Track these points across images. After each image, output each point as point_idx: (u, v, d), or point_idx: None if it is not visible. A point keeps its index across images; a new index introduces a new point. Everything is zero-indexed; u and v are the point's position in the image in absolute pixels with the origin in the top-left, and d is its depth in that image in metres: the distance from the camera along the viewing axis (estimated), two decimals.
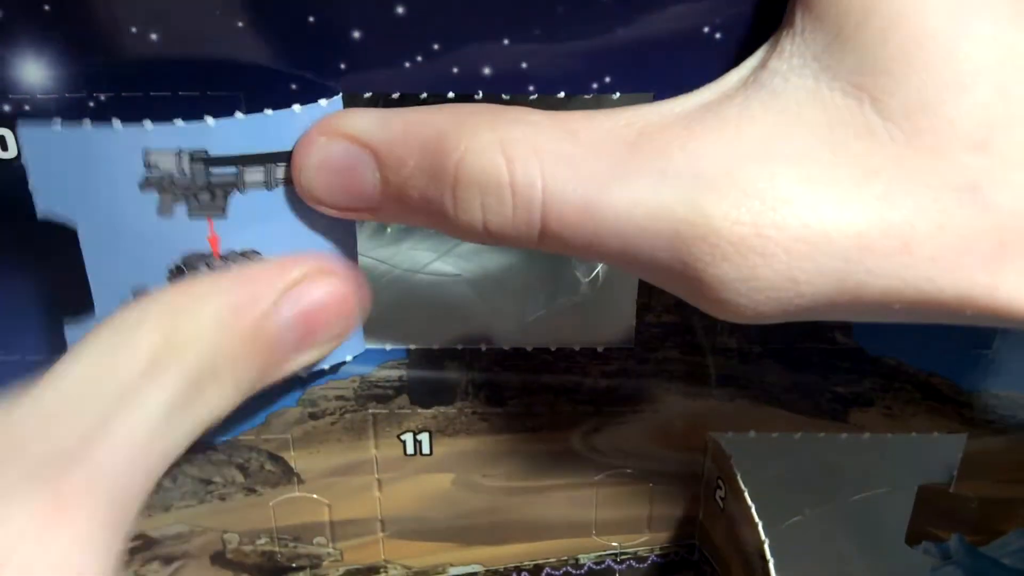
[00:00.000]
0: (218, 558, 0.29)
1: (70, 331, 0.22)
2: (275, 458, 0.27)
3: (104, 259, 0.21)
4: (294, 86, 0.20)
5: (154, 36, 0.19)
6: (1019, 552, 0.29)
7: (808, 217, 0.16)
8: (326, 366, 0.25)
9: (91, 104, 0.20)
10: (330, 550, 0.29)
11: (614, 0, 0.19)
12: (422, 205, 0.19)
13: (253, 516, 0.28)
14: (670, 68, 0.20)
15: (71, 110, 0.20)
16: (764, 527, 0.24)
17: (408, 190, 0.19)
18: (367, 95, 0.21)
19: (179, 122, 0.20)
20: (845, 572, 0.29)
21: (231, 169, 0.20)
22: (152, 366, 0.18)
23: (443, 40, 0.20)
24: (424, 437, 0.27)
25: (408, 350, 0.26)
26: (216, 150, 0.20)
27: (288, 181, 0.21)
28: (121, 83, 0.20)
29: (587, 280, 0.26)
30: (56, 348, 0.23)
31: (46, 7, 0.19)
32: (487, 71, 0.20)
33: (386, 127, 0.19)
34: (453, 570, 0.30)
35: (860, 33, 0.17)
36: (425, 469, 0.28)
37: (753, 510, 0.25)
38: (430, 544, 0.29)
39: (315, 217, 0.22)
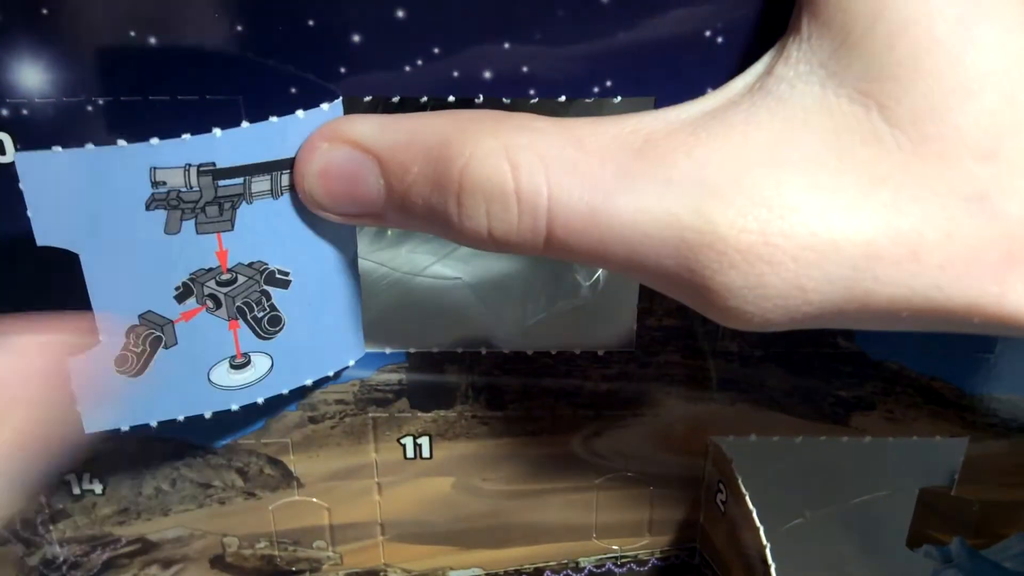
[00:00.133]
0: (217, 562, 0.29)
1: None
2: (275, 462, 0.27)
3: (108, 284, 0.21)
4: (294, 89, 0.20)
5: (152, 40, 0.19)
6: (1020, 555, 0.29)
7: (816, 225, 0.16)
8: (329, 372, 0.25)
9: (89, 108, 0.20)
10: (330, 554, 0.29)
11: (615, 4, 0.19)
12: (426, 212, 0.19)
13: (252, 520, 0.28)
14: (671, 72, 0.20)
15: (69, 115, 0.20)
16: (765, 530, 0.24)
17: (412, 196, 0.19)
18: (367, 99, 0.21)
19: (187, 136, 0.19)
20: (846, 575, 0.29)
21: (238, 180, 0.20)
22: None
23: (443, 43, 0.20)
24: (424, 441, 0.27)
25: (408, 354, 0.26)
26: (223, 162, 0.20)
27: (293, 187, 0.21)
28: (119, 87, 0.20)
29: (588, 284, 0.26)
30: None
31: (44, 10, 0.19)
32: (488, 75, 0.20)
33: (389, 133, 0.19)
34: (453, 574, 0.30)
35: (867, 39, 0.16)
36: (425, 473, 0.28)
37: (754, 513, 0.25)
38: (430, 548, 0.29)
39: (317, 223, 0.21)
